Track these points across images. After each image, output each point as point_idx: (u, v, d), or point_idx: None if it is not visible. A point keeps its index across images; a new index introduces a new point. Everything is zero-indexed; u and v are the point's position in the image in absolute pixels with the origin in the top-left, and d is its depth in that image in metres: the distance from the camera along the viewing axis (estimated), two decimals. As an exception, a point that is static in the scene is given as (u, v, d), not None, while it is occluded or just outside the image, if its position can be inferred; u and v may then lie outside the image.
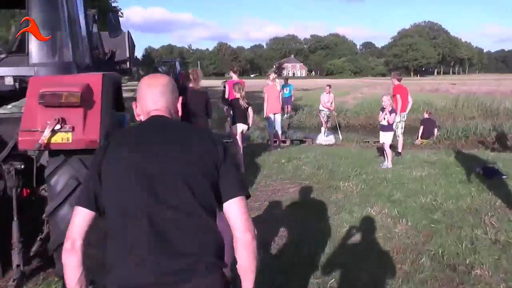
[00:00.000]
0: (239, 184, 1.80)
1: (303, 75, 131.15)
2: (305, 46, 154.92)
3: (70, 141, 3.22)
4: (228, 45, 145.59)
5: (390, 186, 6.90)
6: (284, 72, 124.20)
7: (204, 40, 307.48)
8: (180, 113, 1.97)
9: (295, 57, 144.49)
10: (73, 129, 3.22)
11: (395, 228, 5.17)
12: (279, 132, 11.10)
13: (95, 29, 6.30)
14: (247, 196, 1.83)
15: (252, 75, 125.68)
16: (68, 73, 3.78)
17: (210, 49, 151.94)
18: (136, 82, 2.47)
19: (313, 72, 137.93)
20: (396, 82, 9.60)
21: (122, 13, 34.19)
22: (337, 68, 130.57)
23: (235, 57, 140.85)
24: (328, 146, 12.13)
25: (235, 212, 1.74)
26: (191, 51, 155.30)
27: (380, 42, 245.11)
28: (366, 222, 5.38)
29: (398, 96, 9.28)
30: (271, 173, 7.99)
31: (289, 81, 22.03)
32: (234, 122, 8.67)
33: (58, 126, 3.16)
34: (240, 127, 8.62)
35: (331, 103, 14.49)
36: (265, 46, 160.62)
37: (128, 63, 7.56)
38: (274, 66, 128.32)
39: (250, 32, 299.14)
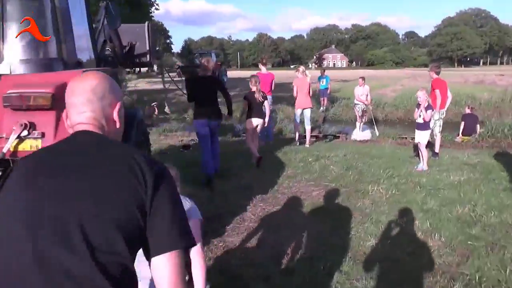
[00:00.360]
0: (175, 231, 1.27)
1: (344, 65, 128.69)
2: (346, 36, 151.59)
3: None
4: (268, 35, 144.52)
5: (423, 193, 6.22)
6: (325, 63, 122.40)
7: (244, 32, 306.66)
8: (118, 125, 1.47)
9: (335, 47, 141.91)
10: (43, 135, 2.81)
11: (426, 244, 4.56)
12: (308, 128, 10.50)
13: (105, 22, 5.92)
14: (187, 247, 1.32)
15: (292, 66, 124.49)
16: (51, 70, 3.36)
17: (250, 40, 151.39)
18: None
19: (354, 62, 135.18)
20: (435, 76, 8.72)
21: (158, 6, 34.15)
22: (378, 58, 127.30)
23: (275, 47, 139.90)
24: (363, 143, 11.43)
25: (161, 272, 1.25)
26: (231, 42, 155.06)
27: (424, 32, 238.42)
28: (393, 236, 4.81)
29: (437, 91, 8.48)
30: (296, 173, 7.45)
31: (326, 72, 21.21)
32: (249, 117, 8.28)
33: (25, 132, 2.75)
34: (255, 122, 8.24)
35: (366, 96, 13.67)
36: (305, 37, 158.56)
37: (148, 56, 7.22)
38: (314, 57, 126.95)
39: (291, 22, 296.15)
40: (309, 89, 10.36)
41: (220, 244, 4.76)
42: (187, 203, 2.45)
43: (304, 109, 10.35)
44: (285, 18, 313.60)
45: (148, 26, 7.36)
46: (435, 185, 6.57)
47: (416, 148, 8.24)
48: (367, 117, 14.22)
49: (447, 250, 4.41)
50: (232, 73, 50.89)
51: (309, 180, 7.04)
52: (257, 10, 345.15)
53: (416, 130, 7.93)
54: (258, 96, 8.17)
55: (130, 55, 7.29)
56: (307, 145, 10.32)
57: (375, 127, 13.75)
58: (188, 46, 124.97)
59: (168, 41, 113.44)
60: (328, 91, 20.79)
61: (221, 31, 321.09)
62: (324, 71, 21.52)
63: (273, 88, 10.72)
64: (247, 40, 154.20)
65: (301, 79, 10.31)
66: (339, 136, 12.64)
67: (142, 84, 40.59)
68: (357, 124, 13.73)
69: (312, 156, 8.45)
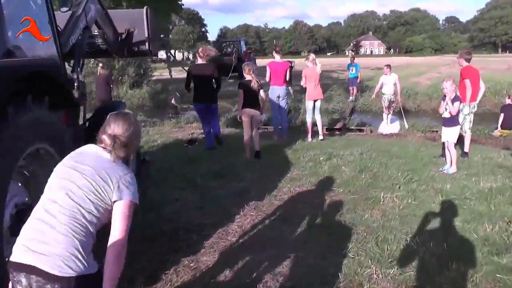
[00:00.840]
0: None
1: (381, 53, 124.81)
2: (384, 22, 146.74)
3: None
4: (304, 23, 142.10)
5: (445, 204, 5.14)
6: (362, 50, 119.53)
7: (281, 19, 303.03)
8: None
9: (373, 34, 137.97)
10: None
11: (440, 275, 3.57)
12: (319, 122, 9.53)
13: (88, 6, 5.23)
14: None
15: (328, 54, 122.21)
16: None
17: (287, 27, 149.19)
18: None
19: (392, 50, 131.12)
20: (465, 63, 7.51)
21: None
22: (417, 45, 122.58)
23: (311, 35, 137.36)
24: (388, 137, 10.37)
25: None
26: (267, 30, 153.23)
27: (465, 16, 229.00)
28: (400, 261, 3.84)
29: (467, 81, 7.32)
30: (301, 175, 6.52)
31: (362, 60, 20.05)
32: (243, 107, 7.63)
33: None
34: (249, 112, 7.60)
35: (394, 85, 12.49)
36: (342, 24, 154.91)
37: (147, 44, 6.41)
38: (351, 44, 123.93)
39: (329, 9, 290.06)
40: (319, 79, 9.39)
41: (192, 265, 3.95)
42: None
43: (315, 100, 9.40)
44: (323, 4, 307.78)
45: (146, 11, 6.64)
46: (460, 194, 5.49)
47: (444, 146, 7.14)
48: (395, 108, 13.05)
49: (468, 286, 3.45)
50: (265, 61, 50.04)
51: (314, 184, 6.11)
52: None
53: (443, 127, 6.82)
54: (253, 84, 7.51)
55: (126, 43, 6.60)
56: (320, 137, 9.40)
57: (404, 119, 12.57)
58: (224, 35, 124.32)
59: (203, 29, 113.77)
60: (358, 80, 19.62)
61: (257, 19, 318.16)
62: (353, 58, 20.34)
63: (288, 78, 9.74)
64: (284, 27, 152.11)
65: (311, 68, 9.33)
66: (363, 130, 11.56)
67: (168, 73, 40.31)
68: (384, 116, 12.63)
69: (324, 155, 7.51)
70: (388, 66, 12.72)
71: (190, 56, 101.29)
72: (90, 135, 2.70)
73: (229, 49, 32.25)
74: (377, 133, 11.31)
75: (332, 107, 17.93)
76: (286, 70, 9.52)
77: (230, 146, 8.66)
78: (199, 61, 8.42)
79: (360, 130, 11.52)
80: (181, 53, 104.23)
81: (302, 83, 9.55)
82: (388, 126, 12.09)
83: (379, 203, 5.27)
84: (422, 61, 50.63)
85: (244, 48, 32.89)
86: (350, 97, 19.29)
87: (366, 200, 5.40)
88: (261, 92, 7.78)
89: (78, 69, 4.58)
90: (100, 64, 12.79)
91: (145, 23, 6.57)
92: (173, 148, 9.01)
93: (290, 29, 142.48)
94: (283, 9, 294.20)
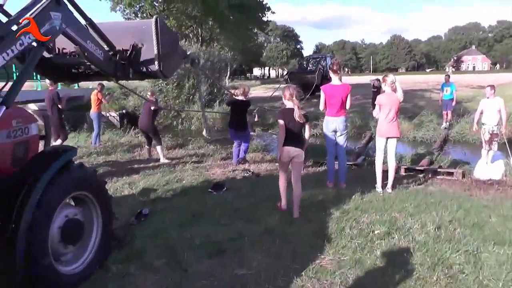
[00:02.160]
0: None
1: (485, 68, 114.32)
2: (489, 34, 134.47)
3: None
4: (402, 37, 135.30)
5: None
6: (463, 66, 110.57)
7: (379, 34, 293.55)
8: None
9: (477, 48, 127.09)
10: None
11: None
12: (393, 166, 7.02)
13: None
14: None
15: (428, 70, 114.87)
16: None
17: (384, 42, 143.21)
18: None
19: (498, 65, 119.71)
20: None
21: (269, 9, 31.73)
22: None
23: (409, 50, 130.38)
24: (486, 190, 7.44)
25: None
26: (363, 45, 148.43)
27: None
28: None
29: None
30: (335, 266, 4.05)
31: (460, 78, 16.93)
32: (282, 144, 5.69)
33: None
34: (290, 152, 5.68)
35: (498, 111, 9.48)
36: (443, 38, 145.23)
37: (156, 63, 4.83)
38: (452, 59, 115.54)
39: (428, 22, 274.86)
40: (398, 111, 6.88)
41: None
42: None
43: (388, 138, 6.90)
44: (422, 18, 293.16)
45: (156, 22, 4.81)
46: None
47: None
48: (499, 142, 9.90)
49: None
50: (360, 79, 46.98)
51: (352, 286, 3.72)
52: (393, 11, 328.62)
53: None
54: (296, 115, 5.41)
55: (131, 62, 4.88)
56: (388, 189, 6.91)
57: (511, 157, 9.47)
58: (320, 51, 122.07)
59: (298, 46, 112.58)
60: (453, 102, 16.36)
61: (354, 34, 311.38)
62: (448, 77, 17.07)
63: (349, 106, 7.35)
64: (381, 43, 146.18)
65: (389, 95, 6.86)
66: (452, 173, 8.68)
67: (258, 91, 38.80)
68: (483, 152, 9.61)
69: (383, 225, 5.00)
70: (492, 87, 9.69)
71: (284, 73, 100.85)
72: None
73: (313, 66, 29.94)
74: (472, 178, 8.40)
75: (421, 136, 14.99)
76: (347, 96, 7.16)
77: (263, 191, 6.57)
78: (239, 97, 9.39)
79: (449, 174, 8.65)
80: (275, 71, 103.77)
81: (375, 114, 7.14)
82: (488, 167, 9.09)
83: None
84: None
85: (329, 64, 30.39)
86: (443, 124, 16.13)
87: None
88: (306, 127, 5.66)
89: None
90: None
91: (155, 37, 4.79)
92: (194, 192, 7.05)
93: (388, 44, 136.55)
94: (379, 23, 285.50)
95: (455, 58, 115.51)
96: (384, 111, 6.79)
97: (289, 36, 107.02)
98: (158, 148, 10.12)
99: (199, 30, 30.59)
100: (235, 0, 25.70)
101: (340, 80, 7.29)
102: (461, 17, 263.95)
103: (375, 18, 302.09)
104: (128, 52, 4.85)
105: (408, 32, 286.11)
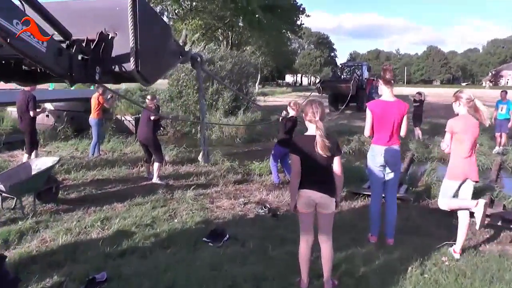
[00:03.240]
0: None
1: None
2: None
3: None
4: (438, 49, 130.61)
5: None
6: (502, 81, 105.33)
7: (414, 45, 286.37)
8: None
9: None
10: None
11: None
12: (466, 220, 4.85)
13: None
14: None
15: (463, 83, 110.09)
16: None
17: (419, 54, 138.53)
18: None
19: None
20: None
21: (305, 11, 29.67)
22: None
23: (445, 62, 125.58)
24: None
25: None
26: (398, 56, 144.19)
27: None
28: None
29: None
30: None
31: (509, 96, 14.36)
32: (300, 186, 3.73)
33: None
34: (312, 197, 3.72)
35: None
36: (481, 51, 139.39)
37: (132, 60, 2.86)
38: (490, 74, 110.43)
39: (466, 34, 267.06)
40: (475, 142, 4.73)
41: None
42: None
43: (464, 181, 4.74)
44: (460, 30, 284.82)
45: (134, 3, 2.81)
46: None
47: None
48: None
49: None
50: (397, 90, 44.09)
51: None
52: (429, 22, 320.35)
53: None
54: (320, 145, 3.53)
55: (101, 58, 2.87)
56: (456, 255, 4.76)
57: None
58: (354, 59, 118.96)
59: (332, 54, 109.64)
60: (510, 123, 13.83)
61: (389, 44, 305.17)
62: (505, 93, 14.44)
63: (404, 132, 5.19)
64: (416, 54, 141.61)
65: (465, 119, 4.70)
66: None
67: (288, 99, 36.61)
68: None
69: None
70: None
71: (316, 81, 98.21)
72: None
73: (348, 75, 27.65)
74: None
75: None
76: (402, 117, 5.04)
77: (278, 247, 4.50)
78: (291, 113, 8.32)
79: (506, 220, 6.33)
80: (307, 78, 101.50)
81: (444, 146, 4.90)
82: None
83: None
84: None
85: (366, 75, 28.01)
86: (496, 148, 13.61)
87: None
88: (336, 162, 3.67)
89: None
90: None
91: (131, 21, 2.85)
92: (184, 240, 5.02)
93: (423, 56, 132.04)
94: (415, 34, 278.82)
95: (493, 72, 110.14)
96: (460, 142, 4.65)
97: (323, 43, 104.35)
98: (156, 165, 8.23)
99: (229, 32, 28.75)
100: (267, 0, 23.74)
101: (393, 95, 5.15)
102: (501, 30, 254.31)
103: (411, 28, 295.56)
104: (94, 44, 2.93)
105: (444, 44, 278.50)
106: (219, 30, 29.01)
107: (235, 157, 11.89)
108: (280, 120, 8.47)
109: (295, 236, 4.11)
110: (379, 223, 5.21)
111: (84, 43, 2.76)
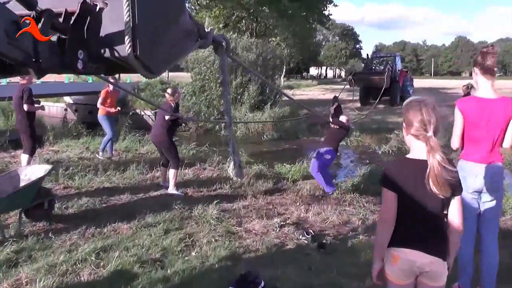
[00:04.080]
0: None
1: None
2: None
3: None
4: (467, 39, 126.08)
5: None
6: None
7: (442, 35, 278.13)
8: None
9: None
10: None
11: None
12: None
13: None
14: None
15: (498, 75, 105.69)
16: None
17: (447, 44, 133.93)
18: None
19: None
20: None
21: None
22: None
23: (475, 53, 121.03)
24: None
25: None
26: (425, 47, 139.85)
27: None
28: None
29: None
30: None
31: None
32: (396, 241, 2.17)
33: None
34: (415, 261, 2.14)
35: None
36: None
37: (127, 43, 1.74)
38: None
39: (496, 24, 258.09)
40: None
41: None
42: None
43: None
44: (490, 19, 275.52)
45: None
46: None
47: None
48: None
49: None
50: (421, 82, 41.98)
51: None
52: (457, 12, 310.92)
53: None
54: (437, 184, 2.03)
55: (85, 39, 1.84)
56: None
57: None
58: (379, 51, 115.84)
59: (357, 46, 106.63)
60: None
61: (415, 35, 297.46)
62: None
63: (510, 143, 3.51)
64: (443, 45, 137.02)
65: None
66: None
67: (314, 92, 34.97)
68: None
69: None
70: None
71: (342, 74, 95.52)
72: None
73: (380, 67, 25.81)
74: None
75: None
76: (509, 122, 3.50)
77: None
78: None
79: None
80: (332, 70, 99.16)
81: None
82: None
83: None
84: None
85: (399, 66, 26.12)
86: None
87: None
88: (455, 206, 2.18)
89: None
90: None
91: None
92: (286, 261, 3.69)
93: (451, 46, 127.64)
94: (442, 24, 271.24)
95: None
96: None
97: (348, 35, 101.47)
98: (171, 172, 6.91)
99: (253, 23, 27.22)
100: (294, -13, 22.11)
101: (494, 91, 3.60)
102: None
103: (438, 19, 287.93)
104: (74, 18, 1.91)
105: (473, 35, 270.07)
106: (242, 21, 27.55)
107: (262, 158, 10.56)
108: (331, 118, 7.12)
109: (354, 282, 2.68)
110: (472, 271, 3.70)
111: (62, 17, 1.82)
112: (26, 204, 5.11)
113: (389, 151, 13.51)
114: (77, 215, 5.70)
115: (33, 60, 1.69)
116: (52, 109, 22.92)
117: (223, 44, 2.89)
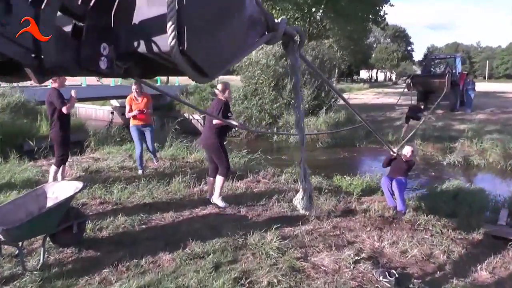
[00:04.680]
0: None
1: None
2: None
3: None
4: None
5: None
6: None
7: (497, 37, 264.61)
8: None
9: None
10: None
11: None
12: None
13: None
14: None
15: None
16: None
17: (503, 46, 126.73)
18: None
19: None
20: None
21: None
22: None
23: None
24: None
25: None
26: (479, 49, 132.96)
27: None
28: None
29: None
30: None
31: None
32: None
33: None
34: None
35: None
36: None
37: (172, 33, 1.25)
38: None
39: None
40: None
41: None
42: None
43: None
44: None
45: None
46: None
47: None
48: None
49: None
50: (479, 86, 39.22)
51: None
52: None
53: None
54: None
55: (106, 29, 1.35)
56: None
57: None
58: (431, 53, 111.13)
59: (409, 47, 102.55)
60: None
61: (468, 36, 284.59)
62: None
63: None
64: (499, 46, 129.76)
65: None
66: None
67: (367, 96, 33.29)
68: None
69: None
70: None
71: (393, 77, 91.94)
72: None
73: (439, 69, 23.90)
74: None
75: None
76: None
77: None
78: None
79: None
80: (383, 73, 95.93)
81: None
82: None
83: None
84: None
85: (460, 69, 24.09)
86: None
87: None
88: None
89: None
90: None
91: None
92: None
93: (508, 48, 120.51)
94: (500, 25, 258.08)
95: None
96: None
97: (400, 36, 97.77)
98: (218, 179, 5.97)
99: (306, 25, 26.04)
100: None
101: None
102: None
103: (494, 19, 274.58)
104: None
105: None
106: (295, 22, 26.43)
107: (318, 167, 9.47)
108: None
109: None
110: None
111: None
112: (52, 229, 4.26)
113: (454, 162, 12.02)
114: (111, 239, 4.80)
115: (32, 56, 1.26)
116: (99, 112, 22.67)
117: (296, 38, 2.15)
